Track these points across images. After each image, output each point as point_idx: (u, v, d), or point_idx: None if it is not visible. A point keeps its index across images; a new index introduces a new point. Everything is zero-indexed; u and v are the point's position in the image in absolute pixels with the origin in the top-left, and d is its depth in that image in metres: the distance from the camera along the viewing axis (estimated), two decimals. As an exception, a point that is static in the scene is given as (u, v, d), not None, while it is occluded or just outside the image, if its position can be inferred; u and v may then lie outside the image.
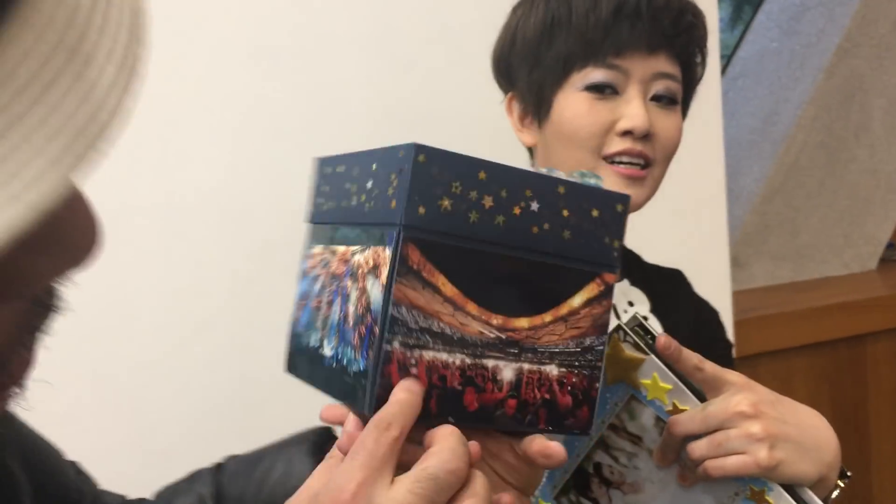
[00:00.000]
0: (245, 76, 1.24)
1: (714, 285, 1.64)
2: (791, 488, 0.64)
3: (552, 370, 0.55)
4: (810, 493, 0.64)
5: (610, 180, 0.94)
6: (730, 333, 1.68)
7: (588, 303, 0.56)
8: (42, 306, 0.33)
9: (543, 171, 0.57)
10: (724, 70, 2.29)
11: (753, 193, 2.14)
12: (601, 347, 0.56)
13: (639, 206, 0.98)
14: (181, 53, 1.20)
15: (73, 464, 0.73)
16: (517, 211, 0.52)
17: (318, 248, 0.60)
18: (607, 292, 0.56)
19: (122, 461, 1.13)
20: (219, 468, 0.77)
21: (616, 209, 0.56)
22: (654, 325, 0.96)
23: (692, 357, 0.67)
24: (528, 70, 0.99)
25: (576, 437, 0.67)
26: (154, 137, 1.19)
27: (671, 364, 0.67)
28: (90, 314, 1.11)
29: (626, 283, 1.04)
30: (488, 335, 0.53)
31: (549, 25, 0.96)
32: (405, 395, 0.49)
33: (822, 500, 0.66)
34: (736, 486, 0.65)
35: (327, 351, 0.55)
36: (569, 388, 0.55)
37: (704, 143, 1.61)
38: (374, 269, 0.51)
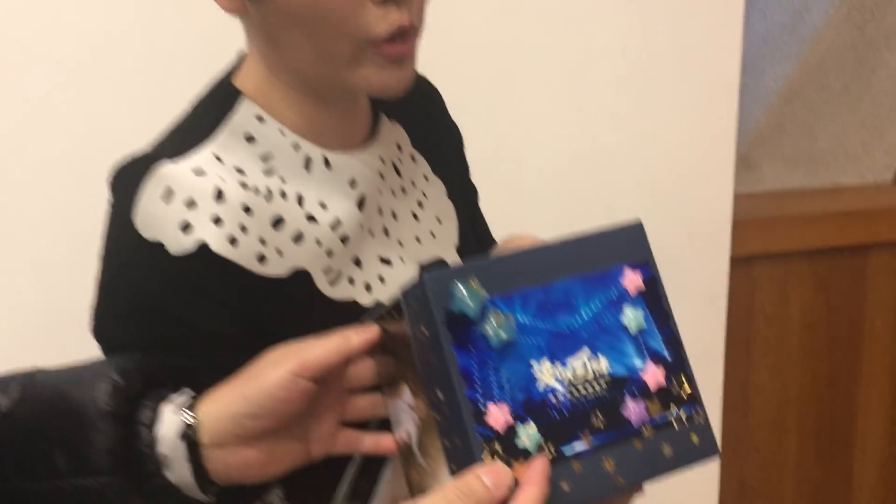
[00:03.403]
0: None
1: (717, 184, 1.61)
2: None
3: None
4: None
5: (377, 73, 0.69)
6: (728, 234, 1.66)
7: None
8: None
9: None
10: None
11: (772, 93, 2.07)
12: None
13: (410, 81, 0.72)
14: None
15: None
16: None
17: None
18: None
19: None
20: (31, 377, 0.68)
21: None
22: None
23: None
24: None
25: None
26: None
27: None
28: None
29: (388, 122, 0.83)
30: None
31: None
32: None
33: None
34: None
35: None
36: None
37: (721, 37, 1.54)
38: None
